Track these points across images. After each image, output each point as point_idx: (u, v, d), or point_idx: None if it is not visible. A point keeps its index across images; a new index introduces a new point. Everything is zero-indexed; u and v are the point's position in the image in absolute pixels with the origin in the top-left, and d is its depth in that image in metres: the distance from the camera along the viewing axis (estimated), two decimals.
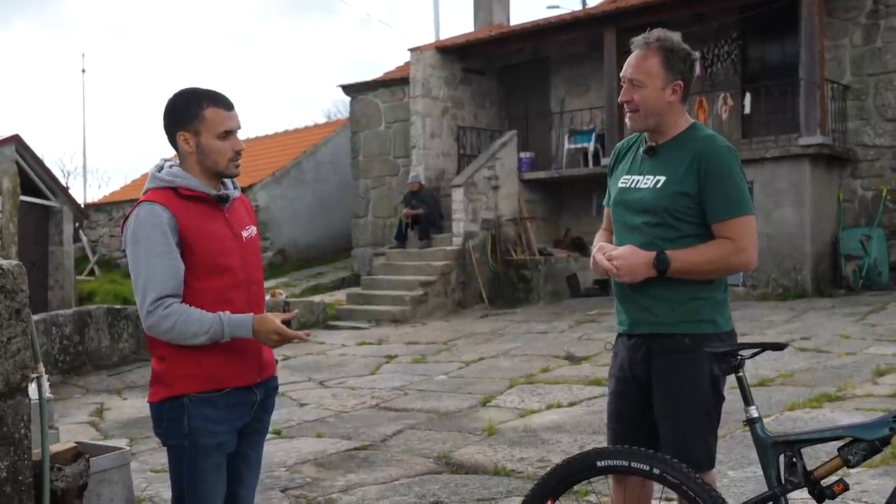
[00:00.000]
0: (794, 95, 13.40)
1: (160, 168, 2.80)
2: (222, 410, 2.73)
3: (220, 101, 2.76)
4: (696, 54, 2.99)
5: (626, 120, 2.99)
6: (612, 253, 2.88)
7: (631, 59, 2.92)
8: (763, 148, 13.56)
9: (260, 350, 2.83)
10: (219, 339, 2.65)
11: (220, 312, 2.66)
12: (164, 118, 2.79)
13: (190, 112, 2.73)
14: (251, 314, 2.69)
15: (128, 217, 2.73)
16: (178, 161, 2.82)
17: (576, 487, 2.92)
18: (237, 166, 2.80)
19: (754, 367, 7.16)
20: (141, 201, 2.72)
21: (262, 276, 2.94)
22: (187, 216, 2.69)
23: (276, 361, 3.00)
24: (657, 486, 2.76)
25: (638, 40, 2.93)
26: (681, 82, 2.90)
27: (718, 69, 14.85)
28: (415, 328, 12.95)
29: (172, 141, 2.78)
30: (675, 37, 2.92)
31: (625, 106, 2.95)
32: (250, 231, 2.88)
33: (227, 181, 2.86)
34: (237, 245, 2.79)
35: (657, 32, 2.92)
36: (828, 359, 7.98)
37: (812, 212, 12.73)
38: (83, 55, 43.76)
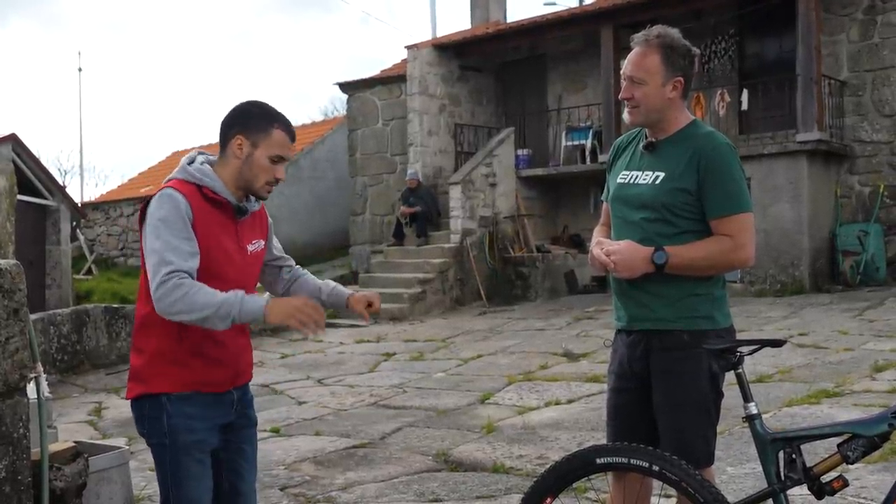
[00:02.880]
0: (792, 91, 13.40)
1: (191, 160, 2.78)
2: (200, 408, 2.72)
3: (289, 129, 2.78)
4: (697, 50, 2.99)
5: (625, 115, 2.98)
6: (609, 248, 2.87)
7: (631, 57, 2.92)
8: (760, 144, 13.58)
9: (237, 360, 2.82)
10: (229, 312, 2.54)
11: (237, 291, 2.59)
12: (231, 116, 2.76)
13: (261, 123, 2.72)
14: (265, 297, 2.63)
15: (148, 201, 2.71)
16: (212, 158, 2.81)
17: (575, 484, 2.92)
18: (269, 192, 2.79)
19: (753, 364, 7.17)
20: (165, 186, 2.71)
21: (254, 289, 2.91)
22: (202, 217, 2.68)
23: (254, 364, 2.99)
24: (656, 483, 2.76)
25: (638, 37, 2.92)
26: (681, 79, 2.89)
27: (716, 65, 14.87)
28: (413, 326, 12.95)
29: (226, 138, 2.75)
30: (675, 33, 2.91)
31: (624, 102, 2.94)
32: (257, 245, 2.87)
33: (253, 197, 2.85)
34: (241, 258, 2.78)
35: (657, 29, 2.91)
36: (826, 355, 7.98)
37: (809, 208, 12.74)
38: (79, 53, 43.77)
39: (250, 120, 2.74)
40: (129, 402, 2.81)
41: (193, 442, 2.71)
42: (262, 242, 2.91)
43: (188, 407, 2.69)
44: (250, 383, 2.96)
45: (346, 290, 3.01)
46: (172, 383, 2.69)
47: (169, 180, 2.75)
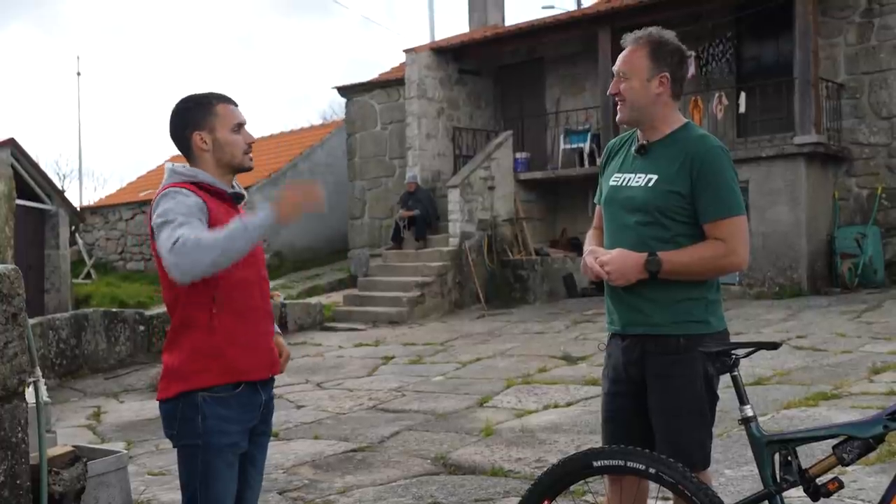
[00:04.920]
0: (789, 94, 13.43)
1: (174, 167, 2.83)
2: (235, 410, 2.74)
3: (225, 98, 2.85)
4: (691, 52, 3.01)
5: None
6: (602, 258, 2.88)
7: (621, 54, 2.96)
8: (758, 147, 13.59)
9: (270, 345, 2.89)
10: (252, 231, 2.51)
11: (242, 217, 2.62)
12: (175, 122, 2.82)
13: (202, 111, 2.79)
14: (267, 204, 2.61)
15: (156, 198, 2.72)
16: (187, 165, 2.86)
17: (573, 487, 2.93)
18: (251, 159, 2.86)
19: (751, 366, 7.18)
20: (168, 186, 2.72)
21: (267, 275, 2.98)
22: (213, 207, 2.73)
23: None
24: (653, 486, 2.77)
25: (629, 36, 2.96)
26: (667, 75, 2.90)
27: (713, 68, 14.88)
28: (412, 329, 12.96)
29: (185, 144, 2.81)
30: (668, 33, 2.94)
31: (615, 99, 2.97)
32: None
33: (235, 184, 2.90)
34: None
35: (649, 29, 2.95)
36: (824, 357, 7.99)
37: (807, 210, 12.75)
38: (78, 58, 43.71)
39: (192, 114, 2.80)
40: (159, 404, 2.80)
41: (228, 444, 2.73)
42: None
43: (222, 409, 2.71)
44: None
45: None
46: (215, 375, 2.70)
47: (166, 184, 2.77)
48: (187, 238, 2.49)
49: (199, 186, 2.74)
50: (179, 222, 2.57)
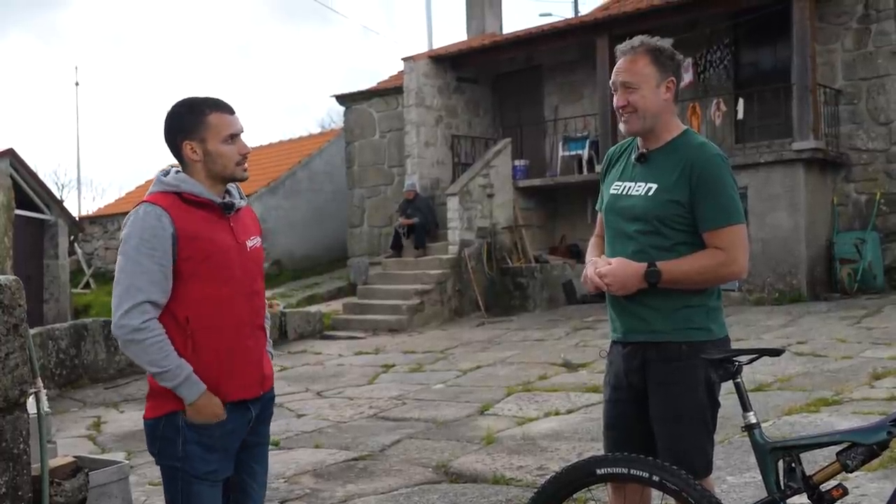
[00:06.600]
0: (787, 100, 13.45)
1: (166, 173, 2.78)
2: (217, 437, 2.70)
3: (221, 107, 2.76)
4: (688, 59, 3.02)
5: (621, 125, 2.98)
6: (601, 270, 2.88)
7: (620, 65, 2.93)
8: (757, 153, 13.61)
9: (260, 362, 2.82)
10: (168, 381, 2.62)
11: (187, 364, 2.63)
12: (167, 128, 2.77)
13: (193, 119, 2.72)
14: (205, 388, 2.65)
15: (135, 208, 2.71)
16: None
17: (575, 495, 2.93)
18: (245, 170, 2.79)
19: (752, 372, 7.17)
20: (142, 202, 2.70)
21: (263, 287, 2.91)
22: (190, 221, 2.67)
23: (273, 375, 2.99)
24: (655, 493, 2.76)
25: (622, 47, 2.94)
26: (673, 79, 2.91)
27: (711, 75, 14.89)
28: (412, 337, 12.94)
29: (176, 151, 2.76)
30: (658, 39, 2.93)
31: (619, 111, 2.95)
32: (255, 242, 2.85)
33: (234, 191, 2.84)
34: (240, 254, 2.77)
35: (640, 37, 2.94)
36: (825, 363, 7.99)
37: (806, 216, 12.77)
38: (76, 68, 43.98)
39: (183, 122, 2.73)
40: (143, 421, 2.79)
41: (207, 471, 2.70)
42: (259, 239, 2.89)
43: (204, 437, 2.67)
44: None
45: None
46: None
47: (148, 195, 2.74)
48: (152, 328, 2.61)
49: (181, 197, 2.69)
50: (145, 269, 2.61)
